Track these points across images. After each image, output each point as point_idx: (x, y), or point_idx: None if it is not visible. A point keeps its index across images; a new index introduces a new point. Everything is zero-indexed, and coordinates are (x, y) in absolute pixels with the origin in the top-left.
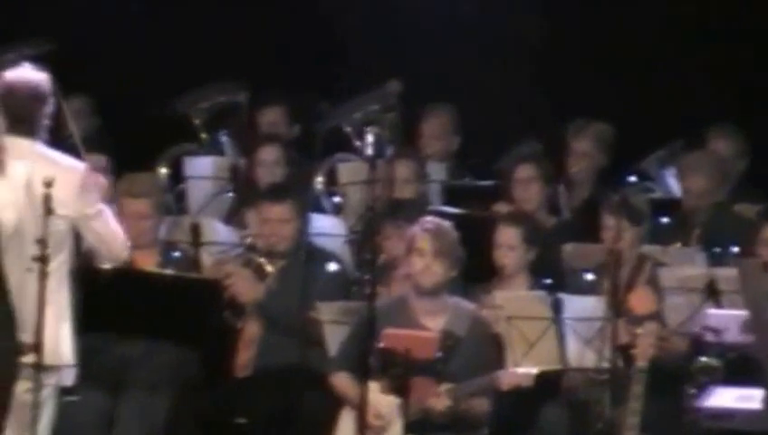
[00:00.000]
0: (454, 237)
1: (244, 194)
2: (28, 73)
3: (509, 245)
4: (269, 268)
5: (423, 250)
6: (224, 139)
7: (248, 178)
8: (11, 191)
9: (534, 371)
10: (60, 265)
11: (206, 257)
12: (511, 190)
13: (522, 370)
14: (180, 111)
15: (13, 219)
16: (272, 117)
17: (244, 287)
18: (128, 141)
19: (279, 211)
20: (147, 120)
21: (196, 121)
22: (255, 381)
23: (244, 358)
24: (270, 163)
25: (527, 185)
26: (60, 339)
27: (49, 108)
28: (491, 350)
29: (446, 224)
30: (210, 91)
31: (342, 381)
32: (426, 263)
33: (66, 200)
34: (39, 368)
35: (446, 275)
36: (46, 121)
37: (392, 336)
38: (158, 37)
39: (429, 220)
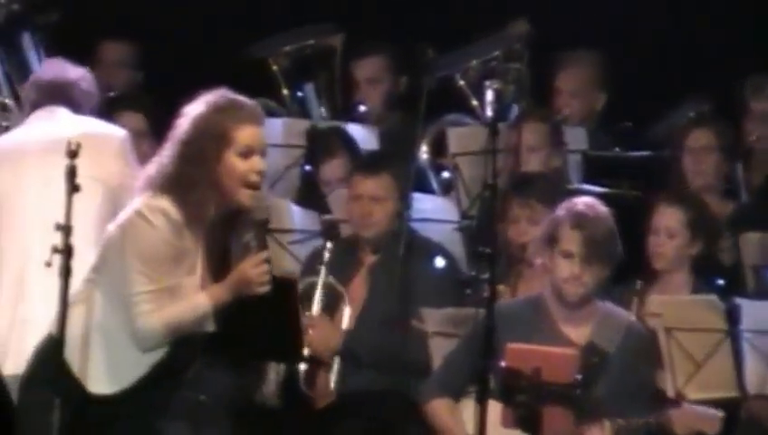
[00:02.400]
0: (610, 230)
1: (323, 159)
2: (68, 66)
3: (668, 231)
4: (339, 289)
5: (571, 253)
6: (308, 92)
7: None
8: (31, 165)
9: (721, 414)
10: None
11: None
12: (676, 163)
13: (702, 409)
14: (256, 56)
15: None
16: (371, 68)
17: (321, 340)
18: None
19: (372, 187)
20: (213, 69)
21: (275, 68)
22: (339, 412)
23: (324, 383)
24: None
25: (701, 156)
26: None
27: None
28: (649, 372)
29: (602, 212)
30: (295, 33)
31: (441, 410)
32: (574, 271)
33: (101, 172)
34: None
35: (598, 281)
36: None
37: (518, 352)
38: None
39: (580, 210)
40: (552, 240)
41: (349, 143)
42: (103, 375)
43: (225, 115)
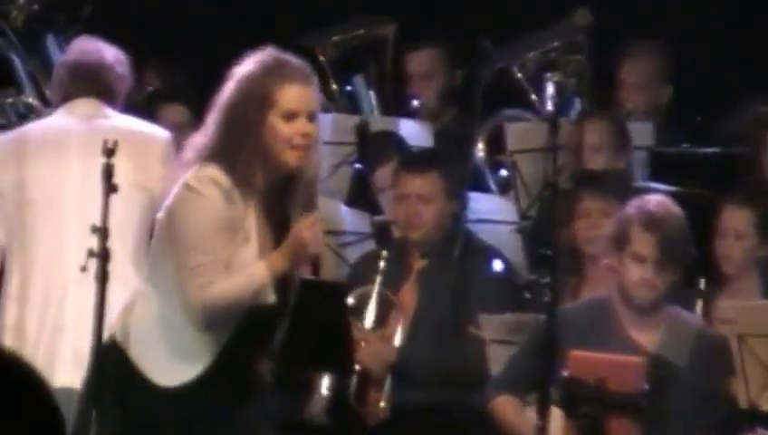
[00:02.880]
0: (684, 231)
1: (376, 165)
2: (101, 46)
3: (736, 232)
4: (393, 300)
5: (644, 257)
6: (358, 86)
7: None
8: (65, 162)
9: None
10: (123, 266)
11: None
12: (751, 159)
13: None
14: (304, 46)
15: (69, 201)
16: (424, 61)
17: (375, 355)
18: None
19: (419, 185)
20: None
21: (323, 59)
22: (393, 430)
23: (376, 399)
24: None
25: None
26: None
27: (125, 86)
28: (722, 381)
29: (676, 212)
30: (345, 23)
31: (506, 407)
32: (647, 275)
33: (141, 176)
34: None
35: (670, 284)
36: (119, 99)
37: (581, 360)
38: None
39: (653, 210)
40: (621, 241)
41: (404, 147)
42: (167, 368)
43: (269, 76)
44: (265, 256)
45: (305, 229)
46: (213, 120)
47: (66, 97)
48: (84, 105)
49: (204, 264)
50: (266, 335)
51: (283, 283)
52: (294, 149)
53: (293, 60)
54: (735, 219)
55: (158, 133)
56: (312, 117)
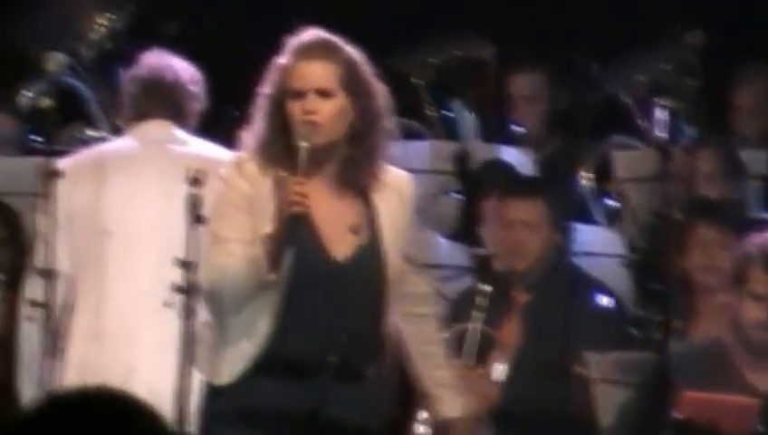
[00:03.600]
0: None
1: (477, 195)
2: (175, 62)
3: None
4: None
5: (763, 297)
6: (456, 111)
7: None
8: (141, 190)
9: None
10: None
11: None
12: None
13: None
14: (398, 69)
15: (144, 232)
16: (528, 84)
17: (473, 399)
18: None
19: (524, 211)
20: None
21: (418, 82)
22: None
23: None
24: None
25: None
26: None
27: (199, 105)
28: None
29: None
30: (442, 44)
31: None
32: (764, 316)
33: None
34: None
35: None
36: (197, 106)
37: (694, 401)
38: None
39: None
40: (739, 279)
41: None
42: (218, 365)
43: (289, 55)
44: None
45: (283, 191)
46: (255, 104)
47: (137, 115)
48: (156, 128)
49: (217, 243)
50: (319, 313)
51: (278, 261)
52: (303, 127)
53: (319, 37)
54: None
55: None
56: (323, 94)
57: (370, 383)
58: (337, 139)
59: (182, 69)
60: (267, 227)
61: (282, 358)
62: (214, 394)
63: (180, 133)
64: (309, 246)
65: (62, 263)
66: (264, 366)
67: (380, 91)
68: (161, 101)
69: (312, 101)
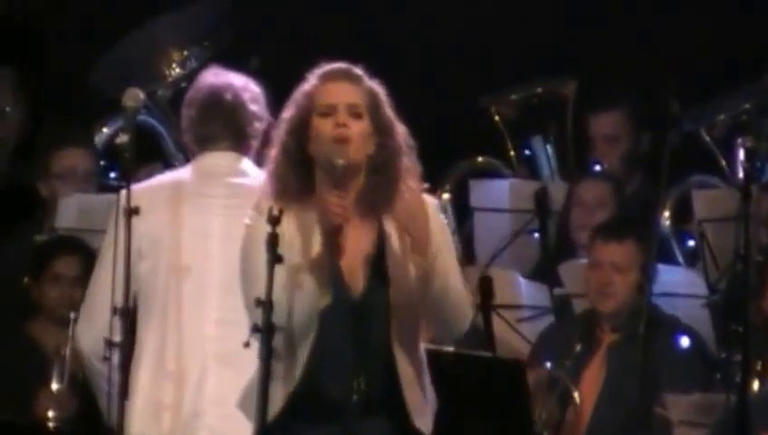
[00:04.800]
0: None
1: (559, 235)
2: (236, 77)
3: None
4: (575, 396)
5: None
6: (536, 148)
7: (566, 211)
8: (213, 227)
9: None
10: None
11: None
12: None
13: None
14: (481, 106)
15: (212, 269)
16: (609, 123)
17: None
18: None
19: (614, 253)
20: (436, 117)
21: (499, 119)
22: None
23: None
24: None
25: None
26: None
27: (261, 117)
28: None
29: None
30: (524, 82)
31: None
32: None
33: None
34: None
35: None
36: (258, 132)
37: None
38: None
39: None
40: None
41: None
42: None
43: (313, 80)
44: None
45: (321, 206)
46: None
47: (198, 140)
48: (220, 160)
49: (248, 286)
50: (347, 348)
51: (334, 278)
52: (335, 144)
53: (345, 65)
54: None
55: None
56: (354, 112)
57: (399, 415)
58: (360, 163)
59: (242, 87)
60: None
61: (311, 399)
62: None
63: (242, 163)
64: (331, 283)
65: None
66: (297, 408)
67: (401, 130)
68: (221, 124)
69: (344, 116)
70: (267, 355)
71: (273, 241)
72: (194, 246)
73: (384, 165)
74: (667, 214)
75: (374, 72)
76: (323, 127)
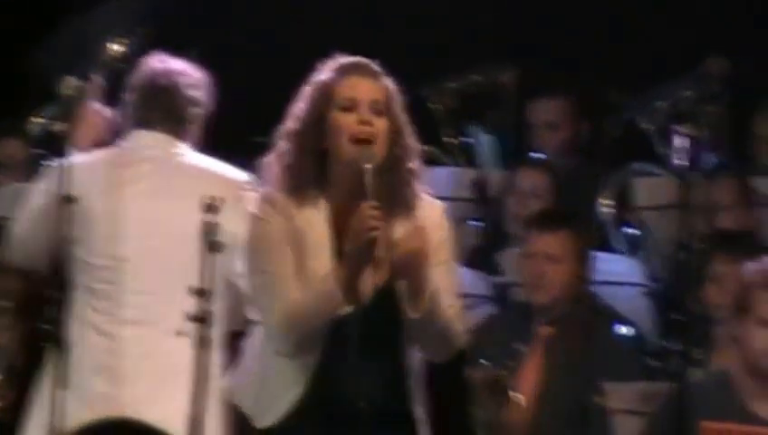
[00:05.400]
0: None
1: (496, 223)
2: (178, 63)
3: None
4: (518, 398)
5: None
6: (476, 137)
7: (503, 200)
8: (143, 213)
9: None
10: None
11: None
12: None
13: None
14: (416, 94)
15: (145, 255)
16: (549, 111)
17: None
18: None
19: (549, 244)
20: None
21: (436, 108)
22: None
23: None
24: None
25: None
26: None
27: (202, 102)
28: None
29: None
30: (462, 71)
31: None
32: None
33: (226, 228)
34: None
35: None
36: (198, 119)
37: (714, 432)
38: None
39: None
40: (744, 307)
41: None
42: (261, 406)
43: (329, 74)
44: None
45: (356, 219)
46: (280, 133)
47: (137, 125)
48: (152, 141)
49: (268, 283)
50: (354, 356)
51: (355, 291)
52: (355, 141)
53: (362, 59)
54: None
55: (238, 177)
56: (376, 109)
57: (406, 425)
58: (380, 164)
59: (180, 72)
60: (314, 261)
61: (319, 405)
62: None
63: (179, 148)
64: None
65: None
66: (305, 412)
67: (411, 130)
68: (158, 108)
69: (368, 113)
70: (203, 344)
71: (210, 229)
72: (126, 232)
73: (396, 166)
74: (606, 202)
75: (310, 62)
76: (344, 121)
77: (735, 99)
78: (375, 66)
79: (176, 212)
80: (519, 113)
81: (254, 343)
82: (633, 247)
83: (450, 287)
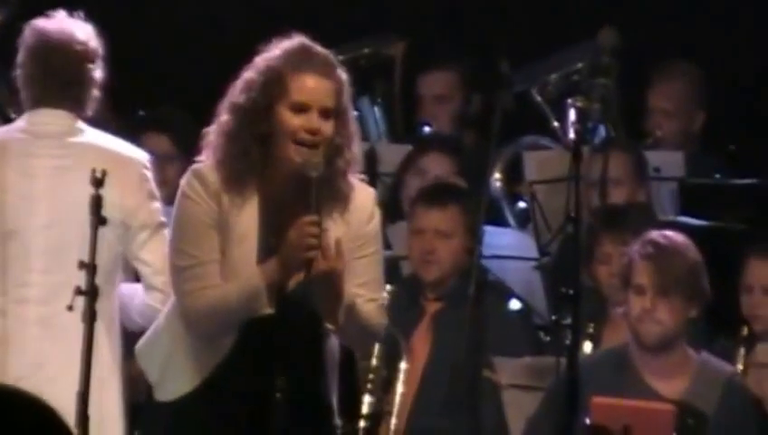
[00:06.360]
0: (691, 262)
1: (390, 198)
2: (72, 24)
3: (765, 288)
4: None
5: (642, 287)
6: (364, 109)
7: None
8: (40, 189)
9: None
10: (109, 305)
11: None
12: None
13: None
14: None
15: (37, 232)
16: (439, 83)
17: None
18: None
19: (437, 219)
20: None
21: None
22: None
23: None
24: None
25: None
26: (105, 414)
27: (98, 72)
28: (754, 431)
29: (680, 242)
30: (351, 42)
31: None
32: (645, 305)
33: (121, 205)
34: None
35: (679, 321)
36: (95, 92)
37: (605, 407)
38: None
39: (653, 240)
40: (624, 279)
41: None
42: (165, 381)
43: (285, 61)
44: (264, 260)
45: (296, 231)
46: (223, 106)
47: (34, 99)
48: (52, 118)
49: (190, 266)
50: (266, 350)
51: (280, 293)
52: (298, 145)
53: (319, 50)
54: (763, 274)
55: (136, 156)
56: (326, 113)
57: (321, 416)
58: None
59: (82, 41)
60: (242, 248)
61: (218, 393)
62: (155, 407)
63: (79, 124)
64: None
65: None
66: (201, 398)
67: (352, 116)
68: (56, 82)
69: (317, 120)
70: (91, 318)
71: (97, 203)
72: (18, 208)
73: (335, 159)
74: (497, 175)
75: (197, 34)
76: (292, 123)
77: (628, 71)
78: (331, 59)
79: (71, 187)
80: (408, 85)
81: (169, 315)
82: (523, 221)
83: (376, 279)
